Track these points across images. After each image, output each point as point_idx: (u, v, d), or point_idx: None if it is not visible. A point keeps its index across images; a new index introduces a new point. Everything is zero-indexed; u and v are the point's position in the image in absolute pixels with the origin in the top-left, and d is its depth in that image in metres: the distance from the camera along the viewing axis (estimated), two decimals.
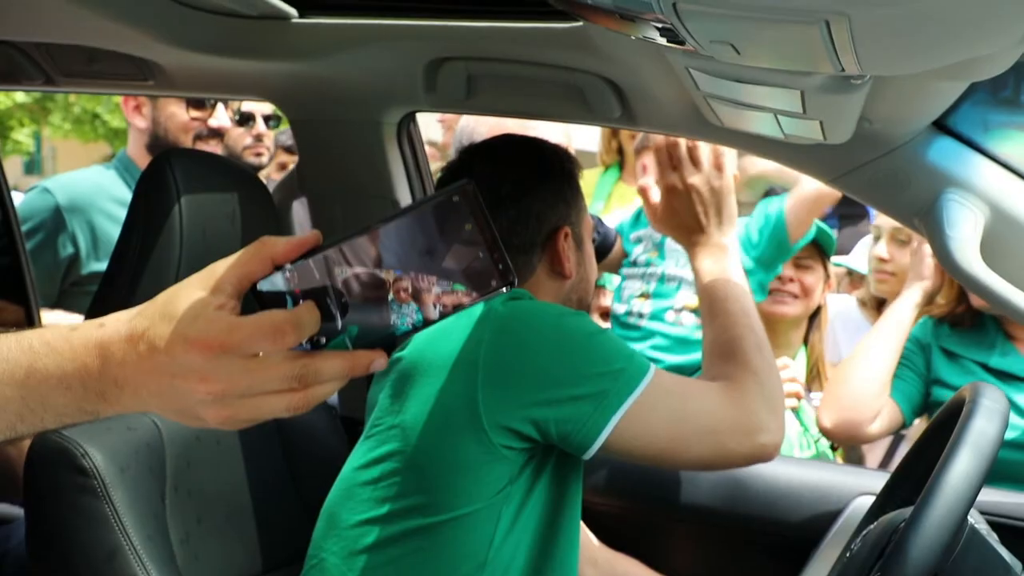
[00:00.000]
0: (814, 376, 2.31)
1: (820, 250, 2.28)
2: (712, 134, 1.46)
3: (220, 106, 2.45)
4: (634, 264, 2.26)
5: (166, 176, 1.42)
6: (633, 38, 0.96)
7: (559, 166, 1.45)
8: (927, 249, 2.02)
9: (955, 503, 0.97)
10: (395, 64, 1.55)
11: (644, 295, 2.21)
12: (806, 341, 2.34)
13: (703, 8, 0.67)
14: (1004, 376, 1.92)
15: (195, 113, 2.39)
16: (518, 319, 1.25)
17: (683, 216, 1.51)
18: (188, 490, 1.38)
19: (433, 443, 1.24)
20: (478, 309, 1.28)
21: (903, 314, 2.01)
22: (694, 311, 2.12)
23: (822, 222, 2.33)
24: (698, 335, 2.05)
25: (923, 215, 1.37)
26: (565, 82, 1.47)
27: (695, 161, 1.50)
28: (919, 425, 2.09)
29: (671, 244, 2.18)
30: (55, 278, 2.32)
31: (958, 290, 2.09)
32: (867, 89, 1.00)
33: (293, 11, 1.48)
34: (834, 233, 2.89)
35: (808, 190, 2.10)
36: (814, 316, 2.33)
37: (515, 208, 1.39)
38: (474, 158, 1.47)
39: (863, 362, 1.98)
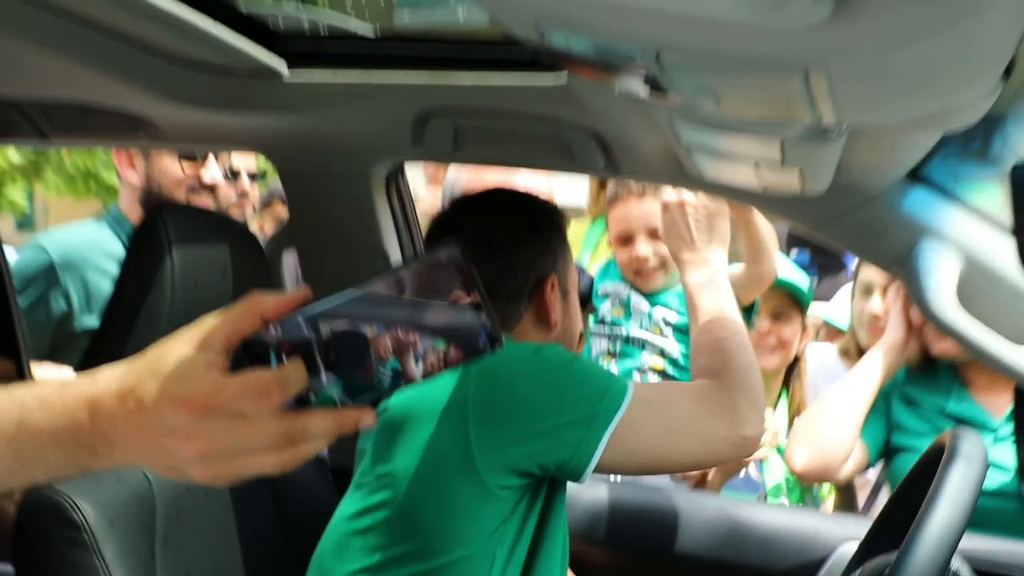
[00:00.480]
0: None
1: (797, 302, 2.28)
2: (694, 183, 1.48)
3: (212, 160, 2.46)
4: (601, 322, 2.26)
5: (159, 230, 1.42)
6: (617, 91, 0.98)
7: (548, 218, 1.48)
8: (900, 304, 2.05)
9: (938, 549, 0.98)
10: (383, 118, 1.57)
11: (611, 354, 2.21)
12: (786, 388, 2.34)
13: (685, 60, 0.69)
14: (960, 421, 1.94)
15: (188, 167, 2.40)
16: (500, 360, 1.24)
17: (678, 230, 1.55)
18: (178, 543, 1.36)
19: (426, 489, 1.24)
20: None
21: (876, 361, 2.02)
22: (660, 372, 2.13)
23: (802, 270, 2.36)
24: None
25: (901, 263, 1.39)
26: (550, 134, 1.49)
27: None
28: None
29: (636, 304, 2.20)
30: (46, 333, 2.30)
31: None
32: (844, 139, 1.02)
33: (283, 67, 1.50)
34: (813, 282, 2.92)
35: (742, 274, 2.06)
36: (793, 366, 2.34)
37: (505, 258, 1.41)
38: (464, 211, 1.49)
39: (837, 406, 1.99)
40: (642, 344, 2.16)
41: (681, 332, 2.15)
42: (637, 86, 0.82)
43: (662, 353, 2.15)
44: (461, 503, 1.23)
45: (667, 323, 2.16)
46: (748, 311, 2.09)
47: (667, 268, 2.14)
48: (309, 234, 1.82)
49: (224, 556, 1.46)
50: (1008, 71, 0.84)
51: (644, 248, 2.13)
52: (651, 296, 2.19)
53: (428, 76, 1.46)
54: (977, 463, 1.03)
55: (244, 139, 1.77)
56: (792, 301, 2.27)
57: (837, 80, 0.70)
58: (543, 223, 1.47)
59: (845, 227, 1.41)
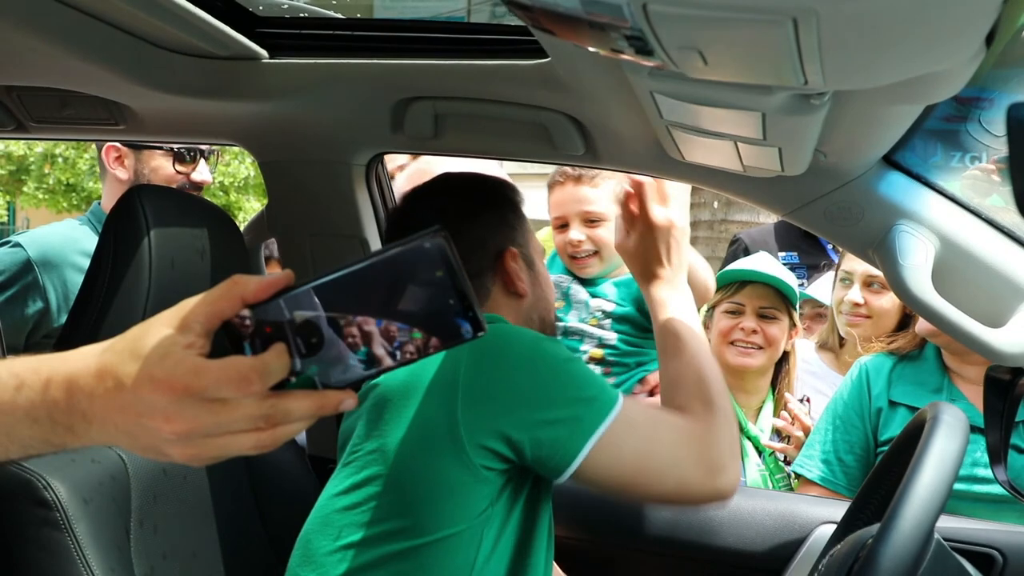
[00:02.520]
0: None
1: (785, 300, 2.26)
2: (673, 171, 1.46)
3: (203, 161, 2.42)
4: None
5: (136, 211, 1.38)
6: (597, 58, 0.95)
7: (498, 193, 1.47)
8: None
9: (923, 515, 0.95)
10: (363, 104, 1.53)
11: None
12: (773, 387, 2.31)
13: (673, 8, 0.66)
14: None
15: (180, 167, 2.36)
16: (495, 341, 1.23)
17: (645, 251, 1.50)
18: (154, 525, 1.31)
19: (415, 465, 1.21)
20: None
21: None
22: (599, 361, 2.10)
23: (790, 271, 2.34)
24: (611, 380, 2.05)
25: (877, 246, 1.37)
26: (530, 120, 1.46)
27: (663, 198, 1.49)
28: None
29: (574, 295, 2.17)
30: (22, 331, 2.25)
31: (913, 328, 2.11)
32: (824, 112, 0.99)
33: (263, 52, 1.47)
34: (802, 283, 2.91)
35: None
36: (783, 362, 2.31)
37: (459, 238, 1.37)
38: (416, 200, 1.47)
39: None
40: (581, 336, 2.13)
41: (618, 320, 2.13)
42: (622, 45, 0.79)
43: (601, 343, 2.12)
44: (447, 481, 1.19)
45: (605, 314, 2.13)
46: None
47: (602, 256, 2.12)
48: (289, 223, 1.78)
49: (201, 540, 1.41)
50: (990, 40, 0.82)
51: (577, 233, 2.10)
52: (589, 286, 2.17)
53: (408, 62, 1.43)
54: (959, 433, 1.01)
55: (223, 129, 1.72)
56: (779, 299, 2.25)
57: (826, 31, 0.67)
58: (494, 198, 1.46)
59: (822, 211, 1.40)
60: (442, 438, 1.20)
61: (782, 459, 2.20)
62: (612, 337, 2.13)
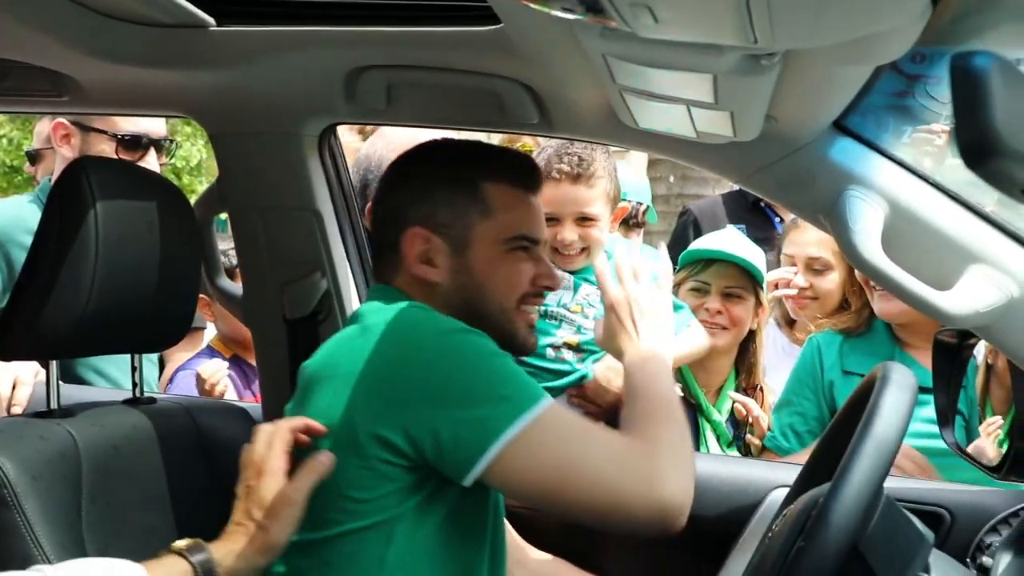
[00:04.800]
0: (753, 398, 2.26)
1: (752, 280, 2.22)
2: (628, 138, 1.46)
3: (153, 153, 2.35)
4: None
5: (81, 183, 1.35)
6: (550, 23, 0.94)
7: (453, 166, 1.39)
8: None
9: (872, 472, 0.97)
10: (315, 73, 1.51)
11: None
12: (737, 368, 2.27)
13: None
14: None
15: (124, 154, 2.29)
16: (402, 330, 1.19)
17: (608, 329, 1.45)
18: (106, 502, 1.29)
19: (316, 452, 1.17)
20: (371, 318, 1.23)
21: None
22: (574, 348, 2.04)
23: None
24: (580, 366, 2.01)
25: (827, 212, 1.38)
26: (484, 89, 1.45)
27: (631, 275, 1.46)
28: None
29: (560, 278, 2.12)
30: None
31: (862, 301, 2.13)
32: (775, 74, 1.00)
33: (211, 19, 1.43)
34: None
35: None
36: (749, 341, 2.25)
37: (380, 207, 1.39)
38: (395, 161, 1.46)
39: None
40: (559, 321, 2.05)
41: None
42: (572, 3, 0.79)
43: (579, 330, 2.05)
44: (345, 473, 1.16)
45: (591, 304, 2.06)
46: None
47: (591, 251, 2.04)
48: (241, 196, 1.75)
49: (157, 518, 1.39)
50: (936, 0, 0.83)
51: (570, 233, 2.00)
52: (574, 272, 2.08)
53: (360, 29, 1.41)
54: (907, 391, 1.03)
55: (170, 100, 1.69)
56: (746, 279, 2.21)
57: None
58: (425, 171, 1.38)
59: (773, 177, 1.40)
60: (342, 428, 1.16)
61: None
62: (591, 326, 2.05)
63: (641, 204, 2.96)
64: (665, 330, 1.44)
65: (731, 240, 2.31)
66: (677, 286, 2.26)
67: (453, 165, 1.40)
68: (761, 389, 2.27)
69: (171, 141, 2.43)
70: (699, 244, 2.36)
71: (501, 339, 1.29)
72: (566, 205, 2.00)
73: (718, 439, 2.18)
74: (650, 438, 1.20)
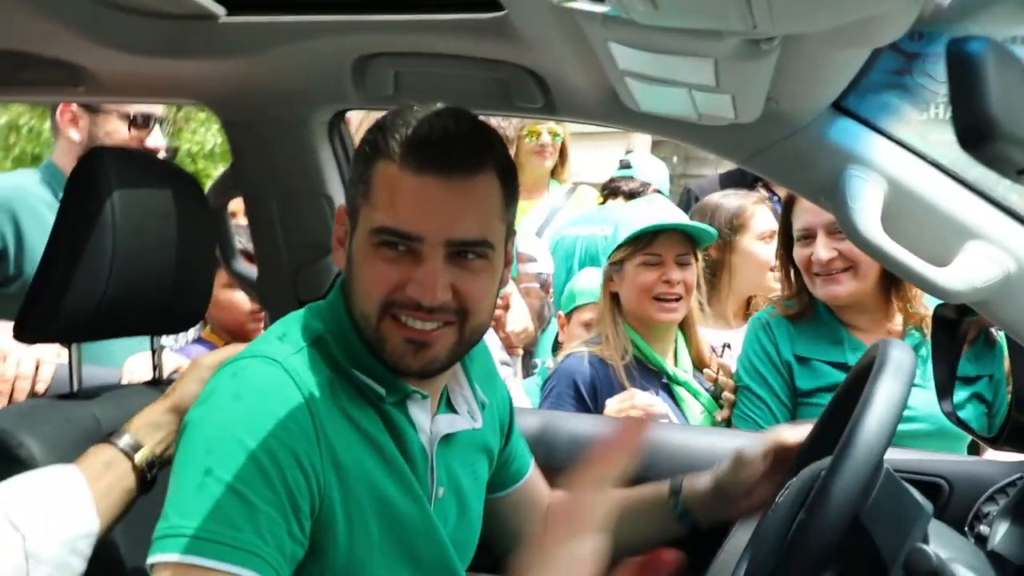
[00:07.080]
0: (699, 357, 2.29)
1: (693, 242, 2.21)
2: (630, 121, 1.45)
3: (157, 127, 2.38)
4: None
5: (98, 173, 1.35)
6: (552, 9, 0.94)
7: (365, 136, 1.17)
8: None
9: (872, 447, 0.97)
10: (323, 61, 1.51)
11: None
12: (682, 330, 2.27)
13: None
14: None
15: (135, 131, 2.32)
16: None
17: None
18: None
19: None
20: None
21: None
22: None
23: None
24: None
25: (828, 191, 1.37)
26: (489, 75, 1.45)
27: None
28: None
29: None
30: None
31: (799, 288, 2.10)
32: (775, 58, 0.99)
33: (221, 10, 1.43)
34: None
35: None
36: None
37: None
38: None
39: None
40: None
41: None
42: None
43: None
44: None
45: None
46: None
47: None
48: (255, 181, 1.75)
49: None
50: None
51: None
52: None
53: (366, 18, 1.41)
54: (906, 369, 1.03)
55: (183, 89, 1.69)
56: (689, 243, 2.20)
57: None
58: (363, 140, 1.17)
59: (774, 158, 1.40)
60: None
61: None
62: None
63: (650, 184, 3.05)
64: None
65: (668, 208, 2.30)
66: (622, 262, 2.21)
67: (370, 132, 1.17)
68: (713, 349, 2.28)
69: (167, 119, 2.48)
70: (634, 216, 2.26)
71: (375, 352, 1.14)
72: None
73: (703, 407, 2.18)
74: None
